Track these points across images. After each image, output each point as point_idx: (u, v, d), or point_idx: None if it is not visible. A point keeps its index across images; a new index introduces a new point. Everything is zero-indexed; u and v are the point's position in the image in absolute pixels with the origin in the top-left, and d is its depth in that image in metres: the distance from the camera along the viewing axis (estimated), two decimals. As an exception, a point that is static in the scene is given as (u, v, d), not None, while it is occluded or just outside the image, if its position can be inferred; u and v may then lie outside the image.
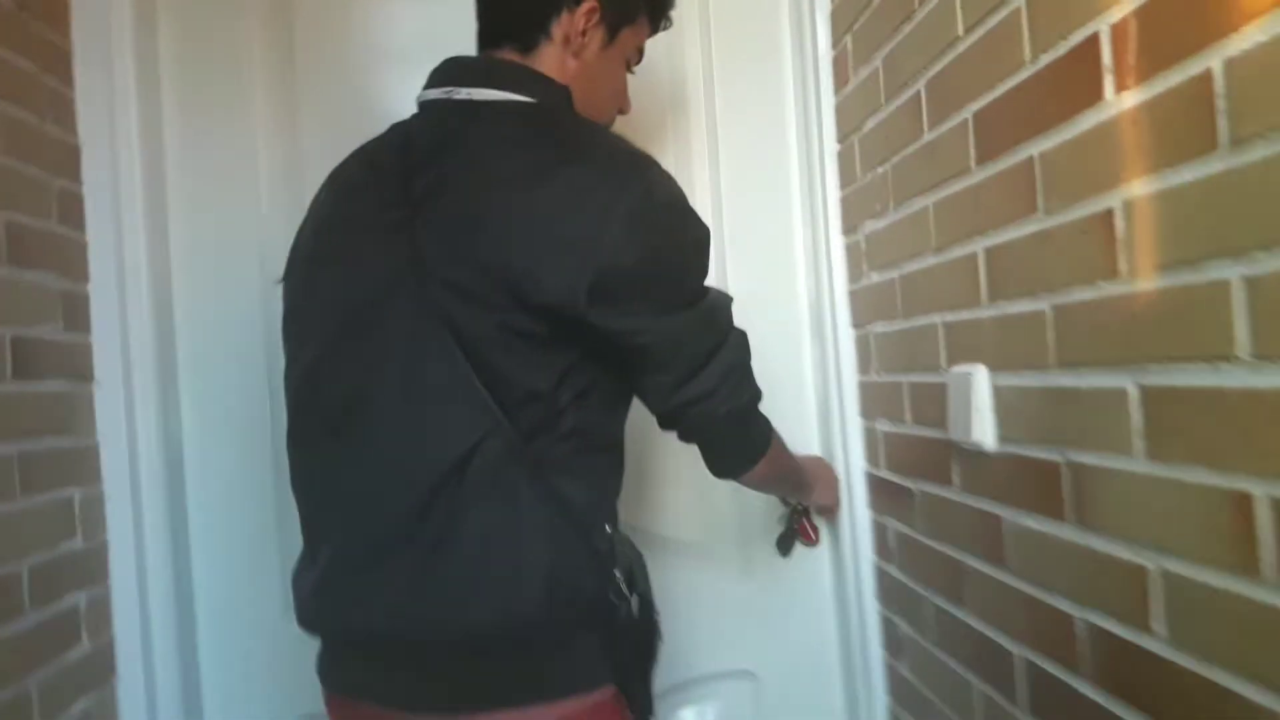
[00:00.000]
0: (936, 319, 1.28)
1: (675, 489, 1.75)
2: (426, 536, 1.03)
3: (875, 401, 1.56)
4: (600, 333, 1.03)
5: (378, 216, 1.09)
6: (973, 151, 1.14)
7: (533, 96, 1.13)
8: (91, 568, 1.49)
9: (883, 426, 1.53)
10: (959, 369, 1.20)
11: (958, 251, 1.20)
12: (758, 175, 1.79)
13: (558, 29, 1.18)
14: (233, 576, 1.69)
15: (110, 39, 1.53)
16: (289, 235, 1.23)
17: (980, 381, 1.14)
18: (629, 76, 1.30)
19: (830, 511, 1.68)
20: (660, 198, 1.05)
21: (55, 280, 1.43)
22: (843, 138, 1.61)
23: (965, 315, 1.19)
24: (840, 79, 1.61)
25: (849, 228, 1.61)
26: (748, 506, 1.75)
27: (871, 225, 1.50)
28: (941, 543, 1.32)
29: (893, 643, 1.58)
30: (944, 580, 1.33)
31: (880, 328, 1.50)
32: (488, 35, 1.21)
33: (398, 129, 1.18)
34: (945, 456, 1.27)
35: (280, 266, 1.23)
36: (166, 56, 1.65)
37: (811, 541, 1.72)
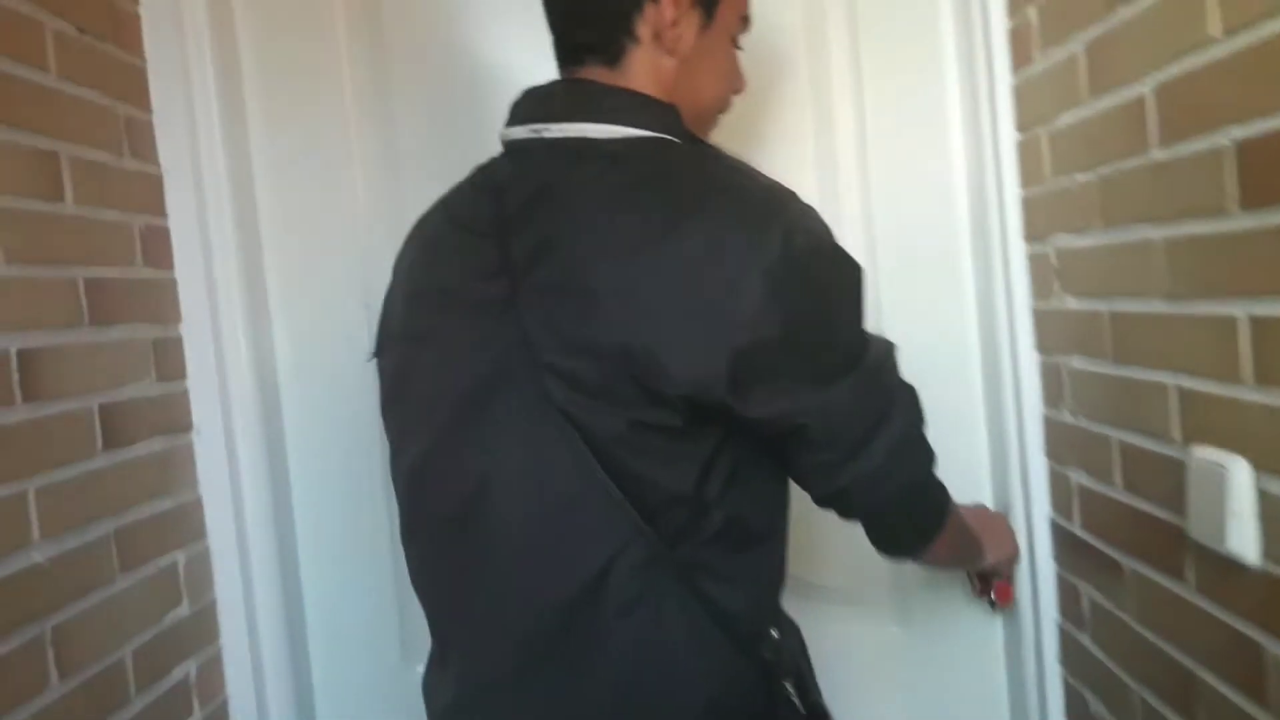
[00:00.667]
0: (1168, 380, 1.04)
1: (820, 527, 1.54)
2: (565, 657, 0.92)
3: (1069, 446, 1.33)
4: (747, 420, 0.88)
5: (476, 289, 0.94)
6: (1234, 190, 0.89)
7: (635, 126, 0.95)
8: (201, 632, 1.39)
9: (1079, 478, 1.30)
10: (1206, 454, 0.96)
11: (1204, 308, 0.95)
12: (912, 160, 1.53)
13: (643, 27, 0.98)
14: (348, 623, 1.58)
15: (186, 49, 1.37)
16: (391, 251, 1.10)
17: (1241, 480, 0.91)
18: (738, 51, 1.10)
19: (1002, 570, 1.46)
20: (802, 244, 0.87)
21: (144, 330, 1.30)
22: (1025, 128, 1.35)
23: (1215, 389, 0.95)
24: (1020, 57, 1.34)
25: (1034, 235, 1.36)
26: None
27: (1067, 240, 1.25)
28: (1166, 641, 1.10)
29: (1080, 718, 1.38)
30: (1166, 683, 1.11)
31: (1079, 363, 1.26)
32: (567, 52, 1.03)
33: (485, 176, 1.02)
34: (1177, 548, 1.05)
35: (381, 289, 1.10)
36: (249, 65, 1.49)
37: (1005, 604, 1.49)
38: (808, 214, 0.90)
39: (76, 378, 1.14)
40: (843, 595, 1.59)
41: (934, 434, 1.02)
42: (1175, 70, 0.96)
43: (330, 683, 1.58)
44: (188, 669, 1.34)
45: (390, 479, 1.07)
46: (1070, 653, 1.39)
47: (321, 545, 1.57)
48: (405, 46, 1.54)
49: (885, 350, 0.97)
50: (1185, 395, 1.01)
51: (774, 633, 1.01)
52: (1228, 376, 0.92)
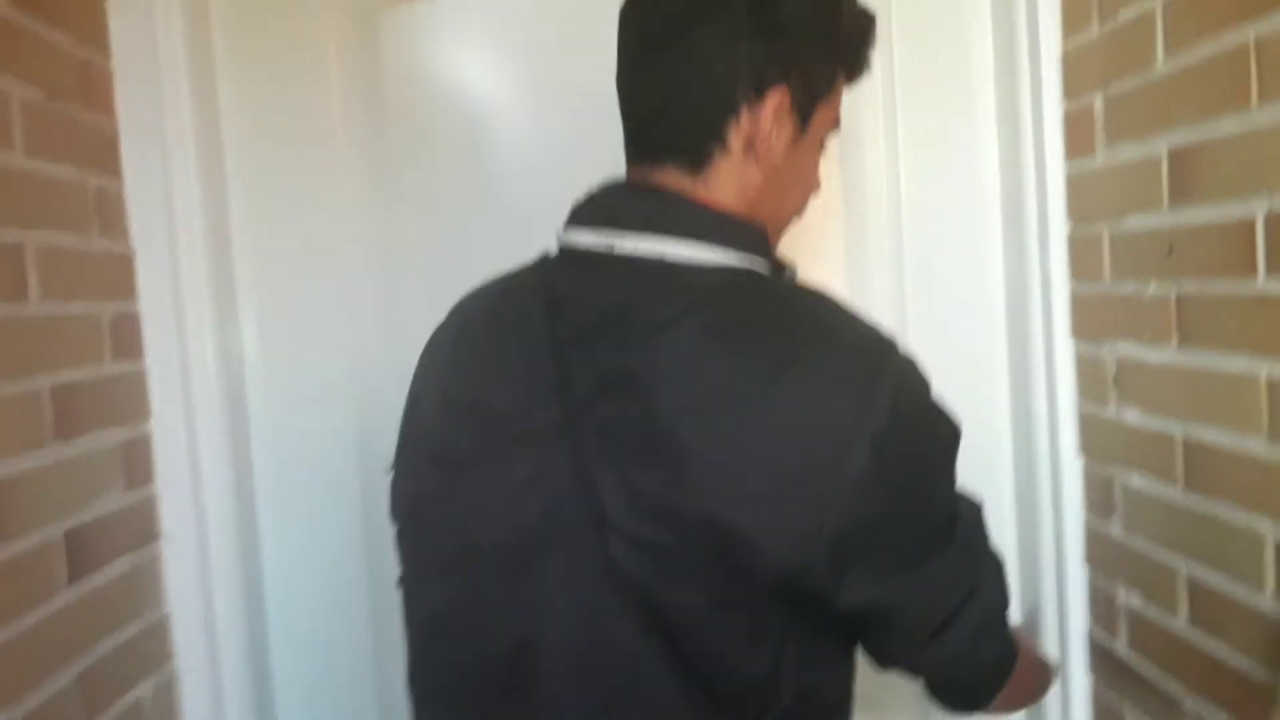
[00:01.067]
0: (1267, 529, 0.96)
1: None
2: None
3: (1114, 558, 1.25)
4: (838, 606, 0.79)
5: (526, 416, 0.83)
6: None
7: (726, 252, 0.84)
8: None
9: (1129, 599, 1.22)
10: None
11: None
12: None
13: (736, 135, 0.86)
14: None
15: (163, 107, 1.23)
16: (385, 347, 0.96)
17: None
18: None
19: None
20: (909, 409, 0.79)
21: (112, 435, 1.16)
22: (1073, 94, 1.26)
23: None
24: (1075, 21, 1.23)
25: (1085, 335, 1.28)
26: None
27: (1130, 349, 1.17)
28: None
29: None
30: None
31: (1138, 482, 1.18)
32: (642, 150, 0.90)
33: (540, 281, 0.90)
34: (1262, 707, 0.97)
35: (374, 390, 0.96)
36: (231, 124, 1.35)
37: None
38: (911, 370, 0.81)
39: (41, 506, 0.99)
40: (864, 700, 1.49)
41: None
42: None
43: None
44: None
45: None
46: (1108, 774, 1.32)
47: (300, 662, 1.43)
48: (403, 99, 1.40)
49: (975, 516, 0.88)
50: (1288, 545, 0.93)
51: None
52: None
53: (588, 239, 0.86)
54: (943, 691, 0.96)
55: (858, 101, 1.41)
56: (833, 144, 0.95)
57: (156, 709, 1.21)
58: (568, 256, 0.89)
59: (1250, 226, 0.93)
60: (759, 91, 0.86)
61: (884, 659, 0.90)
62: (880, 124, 1.45)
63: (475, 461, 0.86)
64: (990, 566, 0.90)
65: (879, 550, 0.78)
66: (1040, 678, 1.12)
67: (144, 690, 1.18)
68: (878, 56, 1.33)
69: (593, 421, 0.79)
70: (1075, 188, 1.27)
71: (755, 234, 0.87)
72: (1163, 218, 1.07)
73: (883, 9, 1.38)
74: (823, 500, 0.74)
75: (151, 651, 1.22)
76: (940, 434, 0.82)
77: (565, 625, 0.80)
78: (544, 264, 0.92)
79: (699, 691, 0.79)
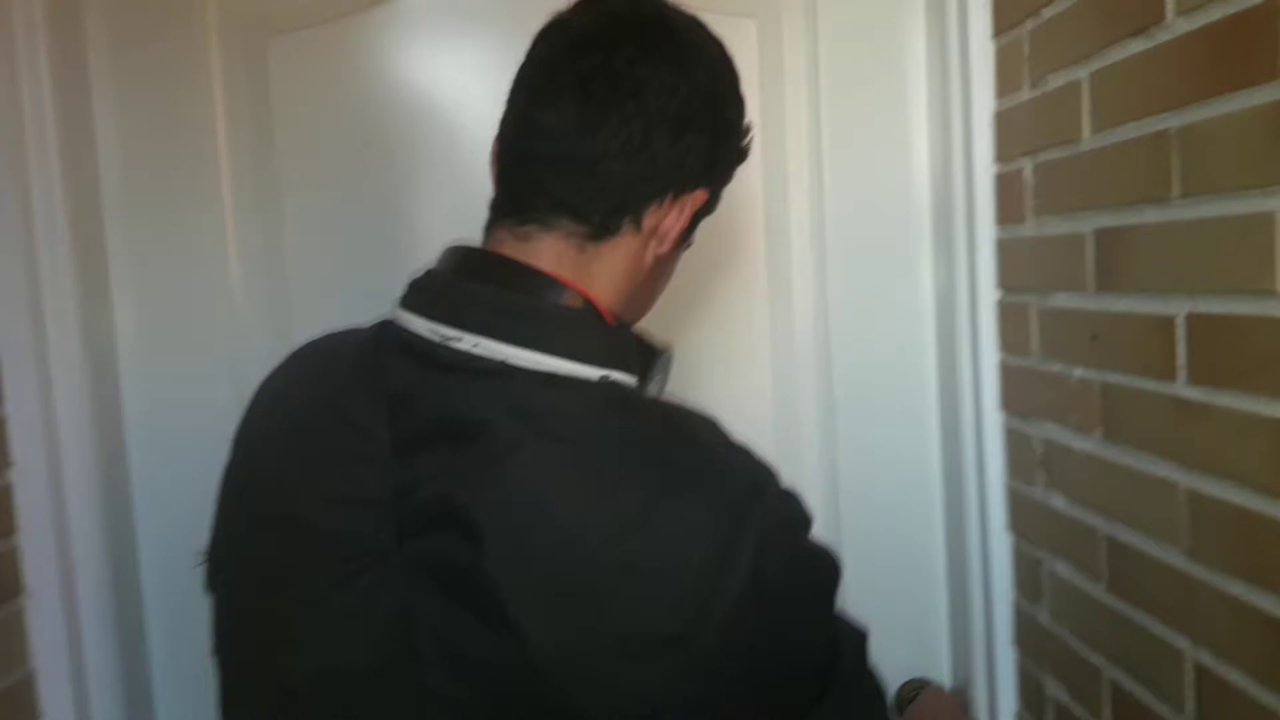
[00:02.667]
0: (1185, 646, 0.89)
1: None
2: None
3: (1041, 645, 1.18)
4: None
5: (348, 540, 0.71)
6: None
7: (581, 360, 0.74)
8: None
9: (1056, 691, 1.16)
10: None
11: (1238, 588, 0.81)
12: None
13: (651, 218, 0.79)
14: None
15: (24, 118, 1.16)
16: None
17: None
18: None
19: None
20: (777, 559, 0.69)
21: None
22: (1005, 158, 1.20)
23: (1249, 686, 0.81)
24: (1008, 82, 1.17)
25: (1015, 411, 1.22)
26: None
27: (1057, 432, 1.10)
28: None
29: None
30: None
31: (1063, 569, 1.12)
32: (535, 201, 0.78)
33: (370, 362, 0.77)
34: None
35: None
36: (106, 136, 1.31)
37: None
38: (782, 513, 0.72)
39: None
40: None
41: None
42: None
43: None
44: None
45: None
46: None
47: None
48: (290, 129, 1.33)
49: (857, 647, 0.80)
50: (1207, 675, 0.86)
51: None
52: (1273, 683, 0.78)
53: (422, 327, 0.75)
54: None
55: (785, 135, 1.35)
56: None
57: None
58: (400, 342, 0.76)
59: (1170, 325, 0.87)
60: (687, 188, 0.79)
61: None
62: (806, 197, 1.38)
63: (287, 579, 0.75)
64: (877, 698, 0.82)
65: (744, 716, 0.70)
66: None
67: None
68: (806, 106, 1.27)
69: (416, 552, 0.69)
70: (1006, 254, 1.20)
71: (622, 345, 0.78)
72: (1087, 300, 1.01)
73: (808, 57, 1.34)
74: (669, 675, 0.65)
75: (13, 713, 1.14)
76: (812, 585, 0.74)
77: None
78: (378, 339, 0.79)
79: None
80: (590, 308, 0.77)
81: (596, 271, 0.78)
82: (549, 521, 0.67)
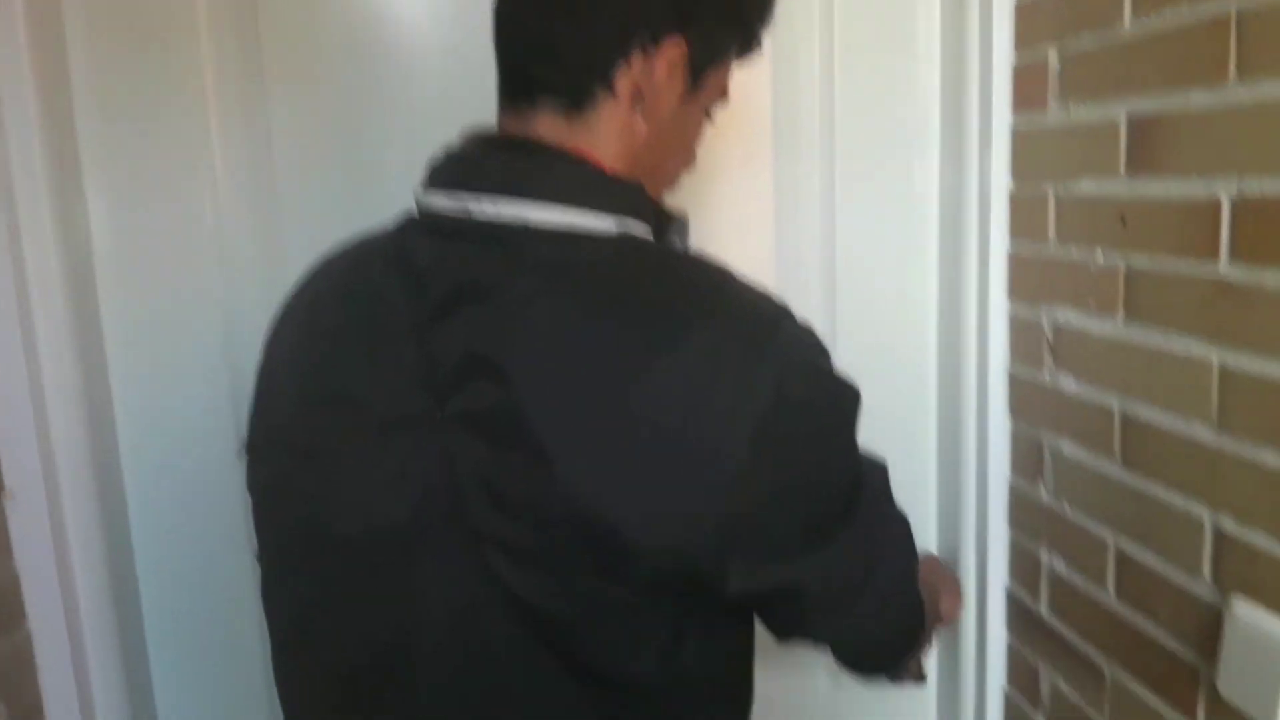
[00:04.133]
0: (1204, 515, 0.95)
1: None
2: None
3: (1039, 521, 1.24)
4: (720, 593, 0.74)
5: (389, 403, 0.76)
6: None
7: (599, 216, 0.76)
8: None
9: (1053, 562, 1.22)
10: (1259, 619, 0.87)
11: (1269, 455, 0.86)
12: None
13: (624, 80, 0.79)
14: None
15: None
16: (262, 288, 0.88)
17: (1304, 662, 0.83)
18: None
19: (944, 623, 1.38)
20: (798, 384, 0.72)
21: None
22: (1026, 45, 1.22)
23: (1277, 549, 0.86)
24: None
25: (1022, 296, 1.25)
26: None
27: (1070, 316, 1.14)
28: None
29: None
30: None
31: (1069, 450, 1.17)
32: (519, 86, 0.81)
33: (398, 250, 0.81)
34: (1189, 687, 0.97)
35: (248, 319, 0.98)
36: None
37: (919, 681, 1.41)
38: (801, 344, 0.75)
39: None
40: (771, 650, 1.48)
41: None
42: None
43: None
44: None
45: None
46: (1019, 727, 1.34)
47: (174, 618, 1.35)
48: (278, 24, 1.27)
49: (880, 479, 0.85)
50: (1227, 539, 0.92)
51: None
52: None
53: (443, 203, 0.78)
54: (852, 660, 0.95)
55: (794, 32, 1.33)
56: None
57: (9, 674, 1.13)
58: (425, 222, 0.81)
59: (1215, 207, 0.89)
60: (655, 38, 0.79)
61: (790, 636, 0.87)
62: (817, 58, 1.37)
63: (336, 452, 0.78)
64: (896, 532, 0.88)
65: (772, 535, 0.73)
66: (930, 629, 1.11)
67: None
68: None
69: (458, 412, 0.72)
70: (1022, 143, 1.22)
71: (633, 194, 0.80)
72: (1117, 186, 1.03)
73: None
74: (703, 491, 0.68)
75: None
76: (836, 407, 0.77)
77: (440, 628, 0.75)
78: (403, 229, 0.83)
79: (589, 688, 0.75)
80: (598, 167, 0.79)
81: (591, 140, 0.80)
82: (573, 356, 0.69)
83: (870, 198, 1.39)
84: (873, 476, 0.83)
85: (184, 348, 1.31)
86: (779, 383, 0.70)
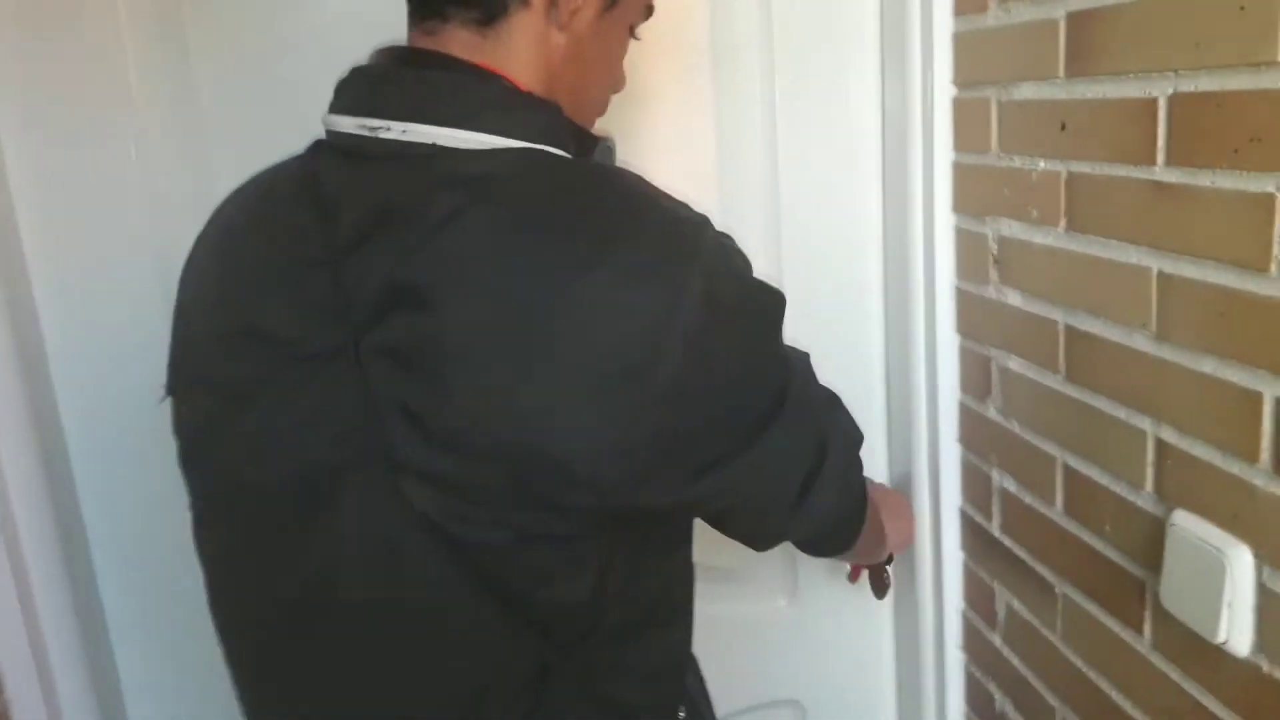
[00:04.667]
0: (1146, 426, 0.92)
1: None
2: None
3: (988, 439, 1.22)
4: (662, 509, 0.76)
5: (305, 338, 0.73)
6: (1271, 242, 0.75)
7: (507, 136, 0.73)
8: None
9: (1003, 481, 1.20)
10: (1197, 528, 0.85)
11: (1210, 365, 0.83)
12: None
13: None
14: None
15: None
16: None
17: (1243, 574, 0.81)
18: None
19: (900, 548, 1.36)
20: (724, 292, 0.71)
21: None
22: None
23: (1216, 460, 0.83)
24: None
25: (967, 210, 1.21)
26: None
27: (1012, 228, 1.10)
28: (1103, 679, 1.03)
29: (982, 704, 1.33)
30: (1092, 713, 1.05)
31: (1015, 365, 1.14)
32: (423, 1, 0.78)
33: (309, 178, 0.78)
34: (1134, 600, 0.96)
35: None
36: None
37: (880, 592, 1.41)
38: (724, 251, 0.74)
39: None
40: (732, 575, 1.48)
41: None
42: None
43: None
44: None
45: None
46: (975, 645, 1.33)
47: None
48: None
49: (804, 368, 0.84)
50: (1168, 451, 0.89)
51: (681, 713, 0.92)
52: (1238, 452, 0.80)
53: (349, 125, 0.75)
54: (815, 543, 0.97)
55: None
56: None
57: None
58: (333, 146, 0.78)
59: (1151, 108, 0.85)
60: None
61: (755, 540, 0.88)
62: (755, 6, 1.31)
63: (257, 390, 0.75)
64: (831, 411, 0.89)
65: (705, 443, 0.72)
66: (881, 535, 1.16)
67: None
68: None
69: (375, 344, 0.69)
70: (963, 47, 1.17)
71: (548, 116, 0.77)
72: (1057, 89, 0.99)
73: None
74: (635, 409, 0.67)
75: None
76: (764, 312, 0.77)
77: (363, 565, 0.73)
78: (313, 154, 0.80)
79: (517, 622, 0.74)
80: (512, 86, 0.77)
81: (505, 55, 0.77)
82: (498, 277, 0.67)
83: (811, 109, 1.34)
84: (798, 369, 0.82)
85: (118, 294, 1.26)
86: (707, 291, 0.68)
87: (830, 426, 0.86)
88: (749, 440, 0.74)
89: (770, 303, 0.77)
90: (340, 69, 0.79)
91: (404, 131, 0.72)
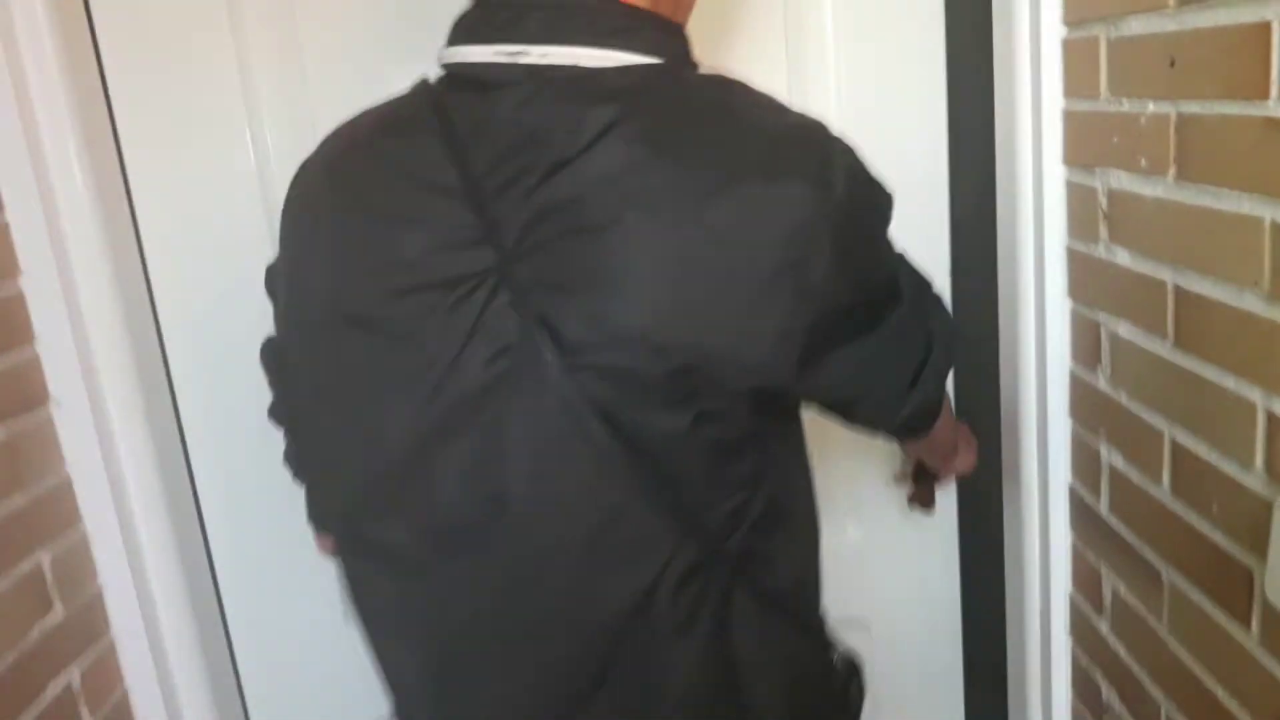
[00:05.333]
0: (1257, 398, 0.82)
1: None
2: (623, 683, 0.80)
3: (1098, 412, 1.12)
4: (806, 395, 0.82)
5: (447, 263, 0.75)
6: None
7: (640, 53, 0.76)
8: (84, 634, 1.19)
9: (1112, 457, 1.10)
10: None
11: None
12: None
13: None
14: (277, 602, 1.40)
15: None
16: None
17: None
18: None
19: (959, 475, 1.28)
20: (857, 189, 0.75)
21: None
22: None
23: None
24: None
25: (1078, 161, 1.11)
26: (858, 445, 1.38)
27: (1123, 180, 1.00)
28: (1208, 673, 0.93)
29: (1089, 693, 1.24)
30: (1193, 706, 0.96)
31: (1125, 331, 1.04)
32: None
33: (428, 109, 0.78)
34: (1242, 591, 0.86)
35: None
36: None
37: (928, 509, 1.37)
38: (850, 149, 0.76)
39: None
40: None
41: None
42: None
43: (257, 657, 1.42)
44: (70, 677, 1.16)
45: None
46: (1083, 631, 1.24)
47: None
48: None
49: (903, 254, 0.86)
50: (1277, 425, 0.79)
51: (821, 602, 0.95)
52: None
53: (483, 54, 0.76)
54: (913, 423, 0.92)
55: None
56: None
57: (66, 573, 1.17)
58: (458, 78, 0.79)
59: (1265, 33, 0.75)
60: None
61: (878, 423, 0.90)
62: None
63: (400, 317, 0.77)
64: (931, 294, 0.90)
65: (846, 330, 0.76)
66: (964, 460, 1.22)
67: (41, 557, 1.13)
68: None
69: (534, 258, 0.71)
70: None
71: (675, 32, 0.79)
72: (1165, 21, 0.89)
73: None
74: (796, 299, 0.71)
75: (53, 517, 1.16)
76: (882, 205, 0.79)
77: (537, 474, 0.75)
78: (426, 91, 0.81)
79: (680, 516, 0.77)
80: (632, 6, 0.78)
81: None
82: (655, 188, 0.69)
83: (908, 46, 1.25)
84: (903, 258, 0.86)
85: (231, 281, 1.29)
86: (848, 189, 0.73)
87: (934, 315, 0.89)
88: (875, 326, 0.79)
89: (887, 199, 0.80)
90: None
91: (544, 55, 0.73)
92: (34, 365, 1.14)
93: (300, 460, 1.04)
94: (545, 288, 0.71)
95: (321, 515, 1.01)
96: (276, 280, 0.94)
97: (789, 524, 0.86)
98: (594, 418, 0.72)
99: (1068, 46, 1.09)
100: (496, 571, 0.79)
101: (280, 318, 0.94)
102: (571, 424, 0.73)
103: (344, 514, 0.88)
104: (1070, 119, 1.11)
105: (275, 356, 1.02)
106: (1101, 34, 1.01)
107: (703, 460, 0.76)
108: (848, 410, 0.86)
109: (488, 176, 0.73)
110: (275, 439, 1.05)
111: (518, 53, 0.74)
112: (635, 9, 0.77)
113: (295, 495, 1.04)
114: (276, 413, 1.05)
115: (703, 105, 0.75)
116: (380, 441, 0.81)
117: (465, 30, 0.78)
